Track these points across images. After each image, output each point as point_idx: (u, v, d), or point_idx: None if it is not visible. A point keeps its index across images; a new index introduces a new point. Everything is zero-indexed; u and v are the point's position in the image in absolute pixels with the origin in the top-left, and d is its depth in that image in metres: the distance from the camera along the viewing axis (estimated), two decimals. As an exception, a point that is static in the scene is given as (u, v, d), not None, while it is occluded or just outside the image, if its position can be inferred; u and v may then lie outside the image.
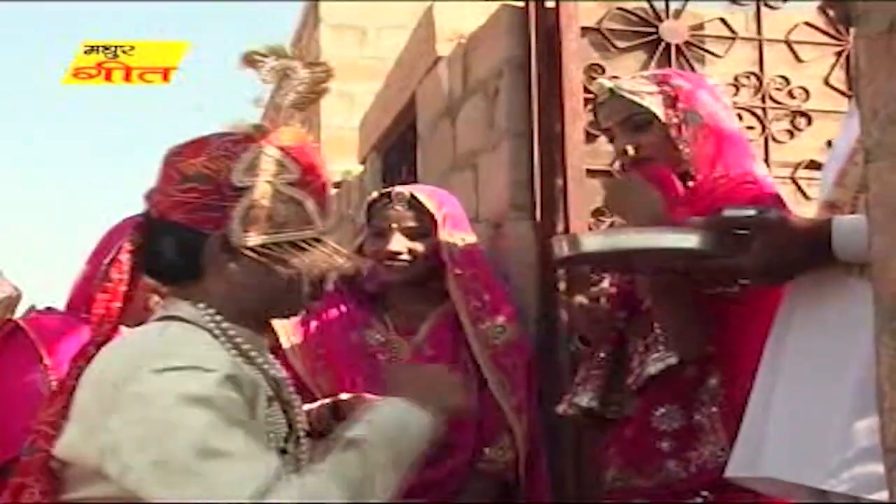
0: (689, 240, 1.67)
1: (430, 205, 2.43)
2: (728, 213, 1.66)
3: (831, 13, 1.71)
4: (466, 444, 2.35)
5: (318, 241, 1.48)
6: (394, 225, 2.41)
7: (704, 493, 1.93)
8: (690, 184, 2.08)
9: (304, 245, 1.47)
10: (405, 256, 2.41)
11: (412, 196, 2.44)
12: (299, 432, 1.52)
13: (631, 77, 2.22)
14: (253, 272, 1.44)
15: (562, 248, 1.82)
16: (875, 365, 1.10)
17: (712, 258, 1.67)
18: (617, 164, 2.31)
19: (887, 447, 1.07)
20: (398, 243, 2.40)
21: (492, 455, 2.36)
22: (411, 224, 2.42)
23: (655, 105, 2.08)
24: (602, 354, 2.07)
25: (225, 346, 1.42)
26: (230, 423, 1.31)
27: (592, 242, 1.83)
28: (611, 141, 2.21)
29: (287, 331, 2.40)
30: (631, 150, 2.10)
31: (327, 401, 2.30)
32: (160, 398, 1.30)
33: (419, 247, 2.42)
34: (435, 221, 2.43)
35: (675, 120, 2.07)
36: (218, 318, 1.44)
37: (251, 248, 1.43)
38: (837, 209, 1.58)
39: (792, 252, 1.56)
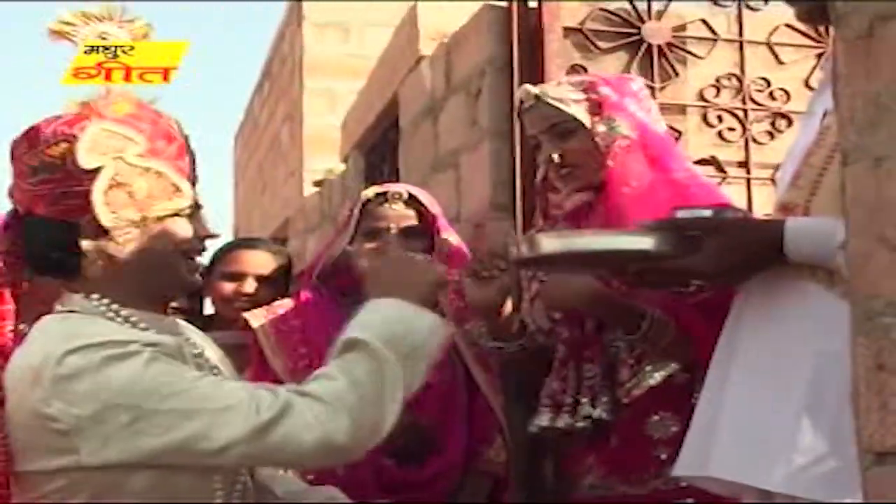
0: (644, 242, 1.66)
1: (427, 203, 2.41)
2: (682, 214, 1.65)
3: (806, 16, 1.70)
4: (455, 444, 2.34)
5: (191, 209, 1.46)
6: (392, 225, 2.37)
7: (690, 500, 1.92)
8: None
9: (177, 216, 1.45)
10: None
11: (410, 195, 2.41)
12: None
13: (557, 83, 2.17)
14: (132, 252, 1.41)
15: (520, 250, 1.80)
16: (851, 366, 1.10)
17: (667, 260, 1.66)
18: (540, 175, 2.26)
19: (863, 448, 1.07)
20: (397, 244, 2.37)
21: (490, 455, 2.36)
22: (410, 224, 2.38)
23: (581, 113, 2.05)
24: (600, 366, 2.04)
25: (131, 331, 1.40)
26: (175, 367, 1.32)
27: (551, 244, 1.79)
28: (536, 148, 2.17)
29: (265, 330, 2.38)
30: (556, 157, 2.06)
31: None
32: (84, 372, 1.29)
33: (415, 247, 2.39)
34: (430, 221, 2.40)
35: (600, 128, 2.05)
36: (114, 306, 1.41)
37: (123, 229, 1.40)
38: (791, 211, 1.57)
39: (744, 253, 1.55)
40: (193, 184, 1.49)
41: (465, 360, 2.37)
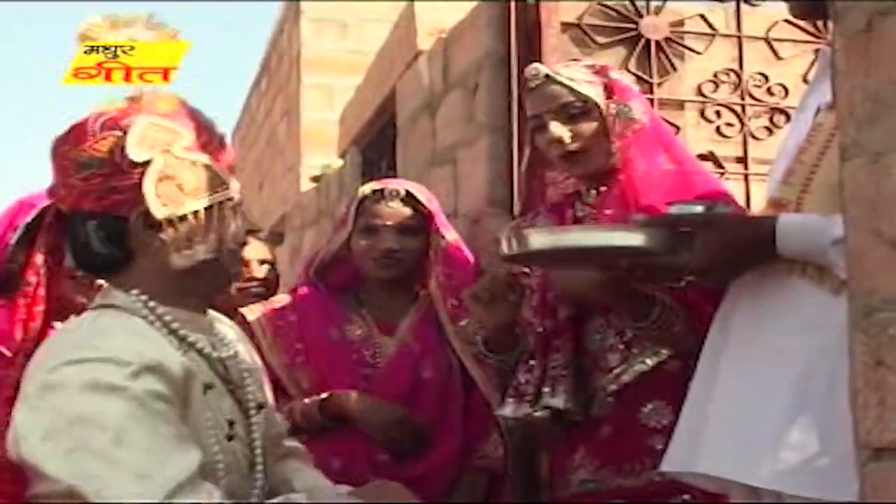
0: (635, 238, 1.66)
1: (424, 201, 2.41)
2: (675, 210, 1.65)
3: (799, 12, 1.71)
4: (451, 441, 2.34)
5: (231, 202, 1.47)
6: (389, 222, 2.36)
7: (686, 496, 1.91)
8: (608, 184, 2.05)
9: (221, 209, 1.45)
10: (399, 255, 2.38)
11: (407, 192, 2.41)
12: (250, 410, 1.50)
13: (566, 65, 2.14)
14: (184, 242, 1.42)
15: (510, 246, 1.79)
16: (849, 362, 1.10)
17: (657, 256, 1.66)
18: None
19: (861, 444, 1.07)
20: (393, 241, 2.36)
21: (487, 451, 2.36)
22: (406, 221, 2.37)
23: (595, 94, 2.03)
24: (565, 355, 2.03)
25: (161, 332, 1.41)
26: (148, 413, 1.29)
27: (540, 240, 1.78)
28: (536, 129, 2.11)
29: (262, 324, 2.38)
30: (567, 138, 2.02)
31: (316, 398, 2.29)
32: (66, 387, 1.29)
33: (412, 244, 2.39)
34: (428, 218, 2.40)
35: (612, 111, 2.03)
36: (151, 303, 1.42)
37: (173, 221, 1.41)
38: (782, 207, 1.58)
39: (736, 249, 1.56)
40: (234, 173, 1.50)
41: (460, 356, 2.37)
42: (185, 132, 1.43)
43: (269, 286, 2.66)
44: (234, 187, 1.47)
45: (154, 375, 1.32)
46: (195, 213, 1.42)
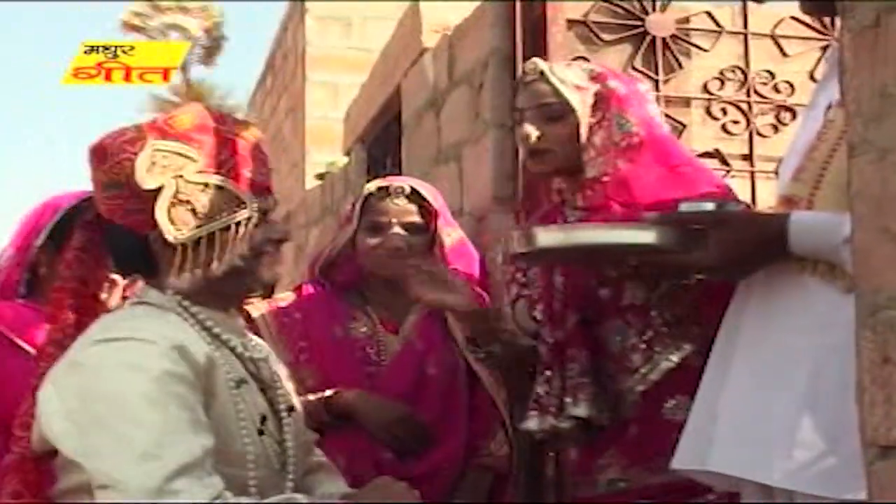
0: (646, 235, 1.65)
1: (430, 198, 2.40)
2: (686, 207, 1.64)
3: (810, 7, 1.70)
4: (456, 439, 2.33)
5: (257, 217, 1.48)
6: (394, 220, 2.36)
7: (711, 495, 1.90)
8: (588, 192, 2.03)
9: (238, 227, 1.45)
10: (404, 252, 2.37)
11: (412, 189, 2.40)
12: (281, 411, 1.52)
13: (567, 64, 2.15)
14: (200, 263, 1.44)
15: (518, 244, 1.79)
16: (855, 359, 1.09)
17: (668, 254, 1.65)
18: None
19: (868, 441, 1.07)
20: (399, 239, 2.35)
21: (491, 449, 2.35)
22: (412, 219, 2.36)
23: (577, 101, 2.02)
24: (583, 362, 2.02)
25: (194, 328, 1.44)
26: (166, 395, 1.32)
27: (548, 238, 1.77)
28: (517, 123, 2.11)
29: (266, 320, 2.38)
30: (533, 137, 2.02)
31: (320, 395, 2.29)
32: (90, 366, 1.34)
33: (417, 241, 2.38)
34: (433, 215, 2.40)
35: (592, 120, 2.02)
36: (185, 302, 1.45)
37: (188, 243, 1.43)
38: (794, 204, 1.57)
39: (747, 247, 1.55)
40: (265, 185, 1.51)
41: (465, 354, 2.37)
42: (197, 155, 1.44)
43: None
44: (252, 203, 1.47)
45: (178, 356, 1.35)
46: (210, 235, 1.44)
